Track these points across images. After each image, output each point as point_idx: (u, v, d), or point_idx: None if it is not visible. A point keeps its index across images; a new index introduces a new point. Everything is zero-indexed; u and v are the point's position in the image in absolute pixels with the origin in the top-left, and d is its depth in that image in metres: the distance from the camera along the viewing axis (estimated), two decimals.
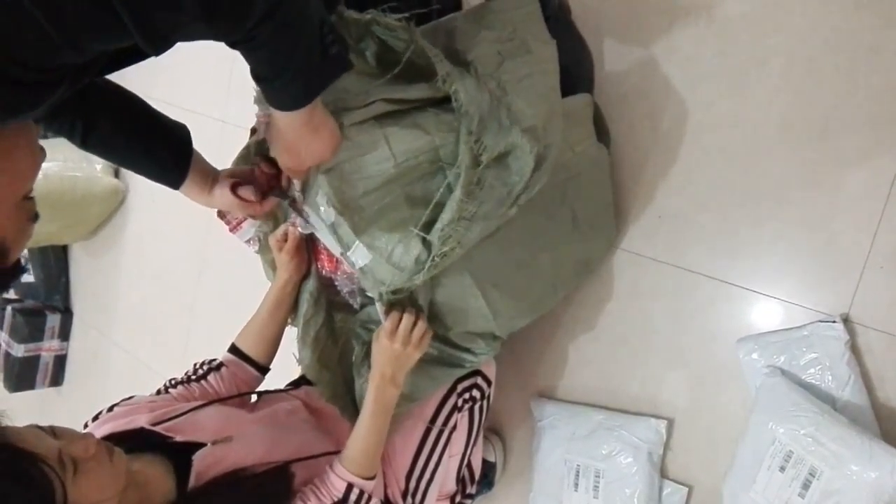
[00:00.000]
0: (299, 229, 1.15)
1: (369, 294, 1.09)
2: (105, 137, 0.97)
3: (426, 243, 0.98)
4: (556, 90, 1.15)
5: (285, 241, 1.18)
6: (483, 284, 1.15)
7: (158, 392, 1.18)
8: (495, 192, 1.02)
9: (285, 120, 0.86)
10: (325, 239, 1.07)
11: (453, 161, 1.01)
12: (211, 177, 1.06)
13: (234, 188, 1.05)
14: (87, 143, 0.96)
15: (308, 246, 1.23)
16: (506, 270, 1.19)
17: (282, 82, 0.77)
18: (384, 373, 1.07)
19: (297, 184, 1.03)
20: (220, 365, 1.24)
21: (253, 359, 1.26)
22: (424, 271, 0.99)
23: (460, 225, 0.97)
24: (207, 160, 1.08)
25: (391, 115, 1.01)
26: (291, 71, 0.75)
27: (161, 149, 1.01)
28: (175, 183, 1.04)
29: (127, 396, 1.12)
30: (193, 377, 1.21)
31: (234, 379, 1.24)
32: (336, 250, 1.06)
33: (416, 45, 0.99)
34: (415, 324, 1.08)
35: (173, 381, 1.20)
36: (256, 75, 0.77)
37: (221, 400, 1.17)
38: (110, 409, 1.08)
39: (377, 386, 1.08)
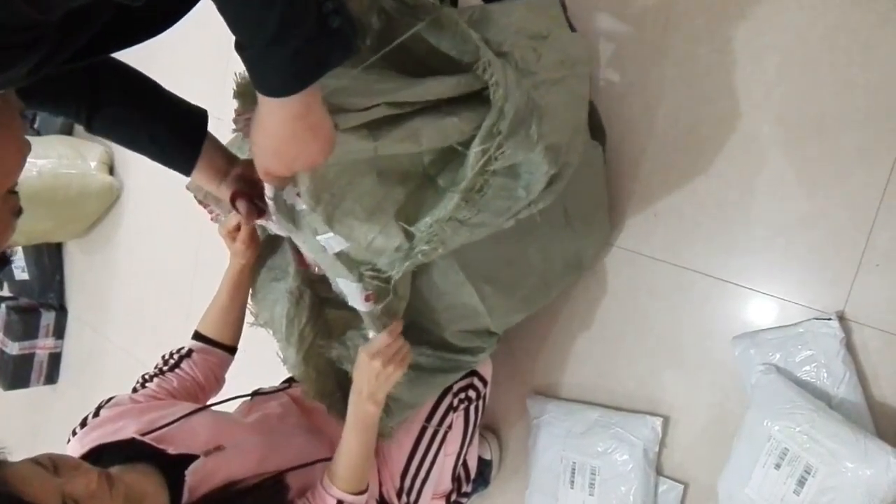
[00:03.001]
0: (273, 230, 1.12)
1: (342, 280, 1.00)
2: (110, 122, 0.93)
3: (408, 233, 0.93)
4: (585, 99, 1.07)
5: (237, 230, 1.18)
6: (476, 280, 1.14)
7: (135, 390, 1.16)
8: (496, 204, 0.96)
9: (277, 112, 0.69)
10: (299, 239, 1.00)
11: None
12: (224, 167, 1.00)
13: (233, 197, 0.99)
14: (92, 126, 0.92)
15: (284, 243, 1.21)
16: (496, 266, 1.17)
17: (261, 50, 0.62)
18: (364, 391, 1.04)
19: (268, 189, 0.91)
20: (190, 351, 1.24)
21: (220, 342, 1.26)
22: (406, 264, 0.94)
23: (449, 226, 0.91)
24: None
25: (387, 121, 0.91)
26: (270, 32, 0.61)
27: (168, 136, 0.95)
28: (184, 171, 0.98)
29: (108, 397, 1.12)
30: (166, 368, 1.21)
31: (205, 364, 1.24)
32: (311, 251, 1.00)
33: (447, 19, 0.87)
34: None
35: (147, 376, 1.20)
36: (236, 43, 0.64)
37: (215, 404, 1.17)
38: (96, 413, 1.07)
39: (357, 404, 1.05)
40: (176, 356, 1.23)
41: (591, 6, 1.46)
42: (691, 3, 1.35)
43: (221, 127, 1.25)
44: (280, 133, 0.72)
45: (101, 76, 0.90)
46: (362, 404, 1.04)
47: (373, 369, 1.02)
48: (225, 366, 1.29)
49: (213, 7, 0.66)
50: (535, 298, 1.28)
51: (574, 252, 1.34)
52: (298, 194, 0.89)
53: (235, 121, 0.94)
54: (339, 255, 0.96)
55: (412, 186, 0.94)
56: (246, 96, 0.95)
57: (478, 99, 0.94)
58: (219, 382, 1.28)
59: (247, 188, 1.00)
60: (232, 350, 1.29)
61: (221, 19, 0.63)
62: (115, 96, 0.92)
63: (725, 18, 1.31)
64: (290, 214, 0.94)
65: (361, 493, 1.05)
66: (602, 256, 1.46)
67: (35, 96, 0.85)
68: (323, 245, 0.95)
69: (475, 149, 0.87)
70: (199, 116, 0.97)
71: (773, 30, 1.26)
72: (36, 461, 0.80)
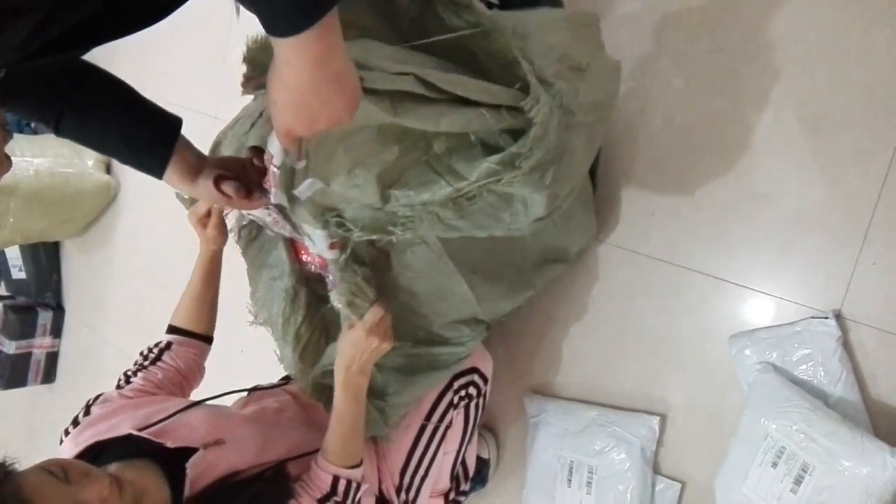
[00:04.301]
0: (267, 220, 1.11)
1: (308, 226, 0.98)
2: (79, 125, 0.91)
3: (384, 197, 0.90)
4: (597, 147, 1.06)
5: (207, 216, 1.19)
6: (463, 270, 1.13)
7: (119, 387, 1.17)
8: (479, 218, 0.94)
9: (293, 58, 0.61)
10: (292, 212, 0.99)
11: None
12: (197, 166, 0.98)
13: (217, 181, 0.97)
14: (59, 129, 0.90)
15: (287, 245, 1.21)
16: (475, 255, 1.16)
17: None
18: (354, 365, 1.04)
19: (276, 156, 0.85)
20: (170, 344, 1.25)
21: (196, 332, 1.27)
22: (373, 236, 0.94)
23: (428, 216, 0.90)
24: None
25: (412, 99, 0.83)
26: None
27: (140, 135, 0.93)
28: (156, 171, 0.96)
29: (96, 395, 1.12)
30: (147, 363, 1.21)
31: (186, 354, 1.25)
32: (316, 242, 0.98)
33: (499, 42, 0.84)
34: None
35: (130, 372, 1.20)
36: None
37: (212, 398, 1.17)
38: (87, 411, 1.07)
39: (347, 378, 1.05)
40: (156, 350, 1.24)
41: (588, 7, 1.46)
42: (688, 3, 1.35)
43: (218, 126, 1.24)
44: (301, 85, 0.64)
45: (74, 77, 0.89)
46: (353, 377, 1.05)
47: (369, 344, 1.04)
48: (204, 355, 1.30)
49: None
50: (519, 289, 1.28)
51: (555, 247, 1.32)
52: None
53: (244, 85, 0.91)
54: (306, 204, 0.95)
55: (407, 144, 0.92)
56: (255, 62, 0.92)
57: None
58: (199, 372, 1.29)
59: (228, 173, 0.99)
60: (208, 339, 1.30)
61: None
62: (86, 96, 0.90)
63: (722, 19, 1.31)
64: (290, 184, 0.93)
65: (356, 466, 1.06)
66: (593, 253, 1.46)
67: (9, 97, 0.83)
68: (297, 194, 0.94)
69: (490, 164, 0.84)
70: (173, 118, 0.95)
71: (770, 30, 1.26)
72: (46, 469, 0.80)
